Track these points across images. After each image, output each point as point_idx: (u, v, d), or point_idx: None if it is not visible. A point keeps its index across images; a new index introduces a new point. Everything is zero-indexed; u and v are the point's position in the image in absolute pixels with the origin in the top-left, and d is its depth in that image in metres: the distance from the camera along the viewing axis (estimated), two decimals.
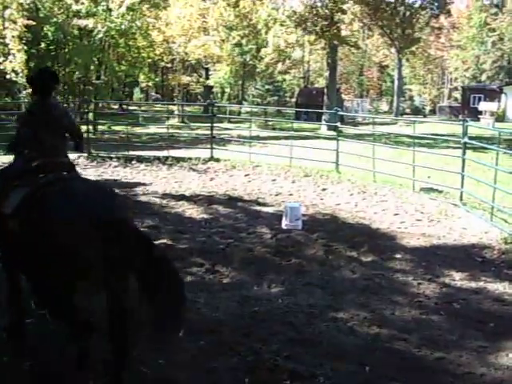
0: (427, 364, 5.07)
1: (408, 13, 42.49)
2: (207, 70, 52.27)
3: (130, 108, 46.48)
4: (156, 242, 8.05)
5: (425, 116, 57.55)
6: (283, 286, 6.78)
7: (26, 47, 22.98)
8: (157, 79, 57.11)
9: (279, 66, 52.64)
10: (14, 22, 22.47)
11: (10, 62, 21.34)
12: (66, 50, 30.03)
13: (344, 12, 35.57)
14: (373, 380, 4.74)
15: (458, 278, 7.30)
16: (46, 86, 5.28)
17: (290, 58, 56.49)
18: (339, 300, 6.41)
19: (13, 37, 21.65)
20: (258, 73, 51.28)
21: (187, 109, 49.91)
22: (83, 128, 23.42)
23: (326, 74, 37.42)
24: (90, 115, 25.79)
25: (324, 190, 12.93)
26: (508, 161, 14.61)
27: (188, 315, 5.71)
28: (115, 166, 15.60)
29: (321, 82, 66.47)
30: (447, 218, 10.46)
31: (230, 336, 5.39)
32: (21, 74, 21.29)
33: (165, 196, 11.66)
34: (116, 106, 45.98)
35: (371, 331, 5.66)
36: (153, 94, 67.38)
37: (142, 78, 47.92)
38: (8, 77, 21.80)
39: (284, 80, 56.44)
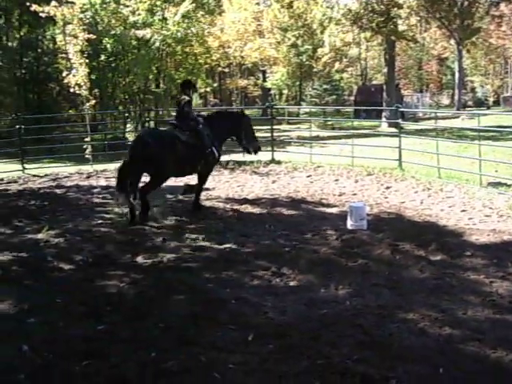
0: (503, 365, 4.91)
1: (466, 2, 41.39)
2: (264, 72, 52.39)
3: None
4: (221, 247, 8.23)
5: (488, 108, 56.04)
6: (350, 287, 6.70)
7: (87, 60, 23.56)
8: (214, 84, 57.74)
9: (336, 65, 52.22)
10: (76, 37, 23.08)
11: (74, 75, 21.92)
12: (125, 61, 30.68)
13: (400, 6, 34.99)
14: (446, 382, 4.63)
15: None
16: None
17: (346, 56, 56.06)
18: (408, 300, 6.29)
19: (75, 51, 22.23)
20: (315, 73, 51.00)
21: (246, 112, 50.20)
22: None
23: (384, 70, 36.99)
24: (151, 123, 26.36)
25: (388, 188, 12.75)
26: None
27: (255, 319, 5.78)
28: None
29: (379, 79, 65.79)
30: None
31: (298, 340, 5.36)
32: (84, 87, 21.84)
33: (228, 200, 11.74)
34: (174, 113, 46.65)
35: (443, 332, 5.52)
36: (211, 99, 68.11)
37: (199, 83, 48.54)
38: (72, 90, 22.39)
39: (342, 79, 55.90)
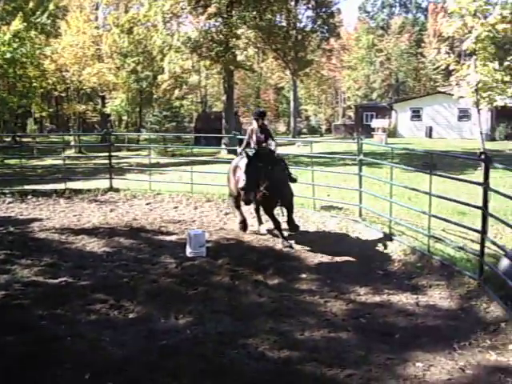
0: (338, 382, 5.11)
1: (300, 36, 43.82)
2: (103, 97, 51.30)
3: (24, 140, 44.80)
4: (55, 281, 7.79)
5: (321, 135, 59.34)
6: (191, 315, 6.65)
7: None
8: (51, 109, 55.55)
9: (176, 92, 52.58)
10: None
11: None
12: None
13: (238, 37, 36.11)
14: None
15: (362, 293, 7.47)
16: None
17: (186, 83, 56.62)
18: (248, 325, 6.37)
19: None
20: (156, 99, 50.98)
21: (84, 138, 48.76)
22: None
23: (224, 97, 37.76)
24: None
25: (227, 214, 12.88)
26: (401, 174, 15.27)
27: (92, 356, 5.52)
28: (9, 202, 14.85)
29: (219, 106, 67.07)
30: (348, 235, 10.72)
31: (138, 373, 5.21)
32: None
33: (64, 231, 11.17)
34: (9, 139, 44.18)
35: (282, 354, 5.64)
36: (47, 124, 65.38)
37: (34, 108, 46.43)
38: None
39: (182, 106, 56.38)
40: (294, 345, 5.87)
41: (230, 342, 5.91)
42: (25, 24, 30.56)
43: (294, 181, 10.62)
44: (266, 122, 10.88)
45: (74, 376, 5.16)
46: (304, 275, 8.23)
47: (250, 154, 9.60)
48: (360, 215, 11.65)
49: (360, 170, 11.72)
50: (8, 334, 6.06)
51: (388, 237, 10.09)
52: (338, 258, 9.18)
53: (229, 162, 12.09)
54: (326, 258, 9.17)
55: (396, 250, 9.38)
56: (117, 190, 15.99)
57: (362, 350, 5.73)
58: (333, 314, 6.76)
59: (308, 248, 9.82)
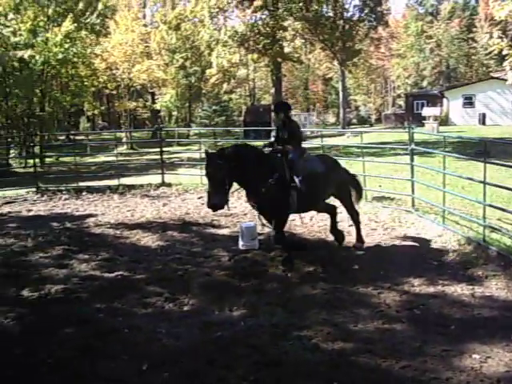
0: (393, 374, 5.07)
1: (347, 26, 43.31)
2: (153, 94, 51.97)
3: (77, 138, 45.88)
4: (112, 275, 7.98)
5: (371, 125, 58.58)
6: (245, 307, 6.70)
7: None
8: (102, 107, 56.61)
9: (225, 86, 52.86)
10: None
11: None
12: (6, 84, 29.42)
13: (285, 29, 36.05)
14: None
15: (416, 284, 7.37)
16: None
17: (234, 77, 56.87)
18: (302, 317, 6.37)
19: None
20: (204, 94, 51.31)
21: (135, 135, 49.54)
22: (30, 161, 23.13)
23: (272, 90, 37.76)
24: (36, 148, 25.35)
25: None
26: (454, 163, 14.97)
27: (149, 347, 5.64)
28: (66, 199, 15.29)
29: (267, 99, 67.15)
30: (401, 225, 10.60)
31: (193, 365, 5.29)
32: None
33: (118, 226, 11.44)
34: (63, 137, 45.30)
35: (336, 346, 5.63)
36: (100, 122, 66.71)
37: (87, 106, 47.39)
38: None
39: (231, 99, 56.58)
40: (347, 336, 5.85)
41: (285, 333, 5.93)
42: (75, 25, 31.20)
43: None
44: (292, 117, 9.40)
45: (132, 367, 5.28)
46: (356, 266, 8.18)
47: (209, 151, 8.22)
48: (413, 205, 11.51)
49: (412, 159, 11.56)
50: (68, 326, 6.25)
51: (441, 227, 9.93)
52: (391, 249, 9.09)
53: None
54: (378, 249, 9.09)
55: (450, 241, 9.21)
56: (169, 185, 16.24)
57: (417, 341, 5.67)
58: (386, 305, 6.70)
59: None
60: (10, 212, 13.85)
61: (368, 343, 5.66)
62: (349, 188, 9.43)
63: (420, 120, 40.57)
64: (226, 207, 8.03)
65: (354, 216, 9.44)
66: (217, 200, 7.84)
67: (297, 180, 8.24)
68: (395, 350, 5.49)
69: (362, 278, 7.69)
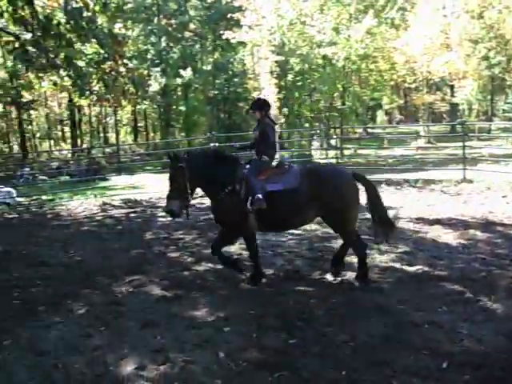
0: None
1: None
2: (452, 87, 50.38)
3: (375, 131, 46.79)
4: (412, 269, 7.97)
5: None
6: None
7: (276, 81, 24.52)
8: (400, 101, 56.77)
9: None
10: (266, 59, 24.13)
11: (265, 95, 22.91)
12: (311, 80, 31.33)
13: None
14: None
15: None
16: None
17: None
18: None
19: (265, 72, 23.23)
20: (509, 86, 48.12)
21: (433, 129, 48.69)
22: (330, 153, 24.29)
23: None
24: (334, 141, 26.55)
25: None
26: None
27: (450, 346, 5.51)
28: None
29: None
30: None
31: (497, 372, 5.02)
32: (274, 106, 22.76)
33: (418, 220, 11.38)
34: (360, 130, 46.63)
35: None
36: (396, 115, 67.02)
37: (385, 100, 47.99)
38: None
39: None
40: None
41: None
42: (376, 20, 31.80)
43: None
44: (271, 116, 7.88)
45: (431, 363, 5.22)
46: None
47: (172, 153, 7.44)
48: None
49: None
50: (367, 313, 6.42)
51: None
52: None
53: None
54: None
55: None
56: (470, 182, 15.63)
57: None
58: None
59: None
60: None
61: None
62: (342, 213, 7.35)
63: None
64: (184, 215, 7.32)
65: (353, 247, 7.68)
66: (174, 206, 7.13)
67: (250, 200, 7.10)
68: None
69: None
